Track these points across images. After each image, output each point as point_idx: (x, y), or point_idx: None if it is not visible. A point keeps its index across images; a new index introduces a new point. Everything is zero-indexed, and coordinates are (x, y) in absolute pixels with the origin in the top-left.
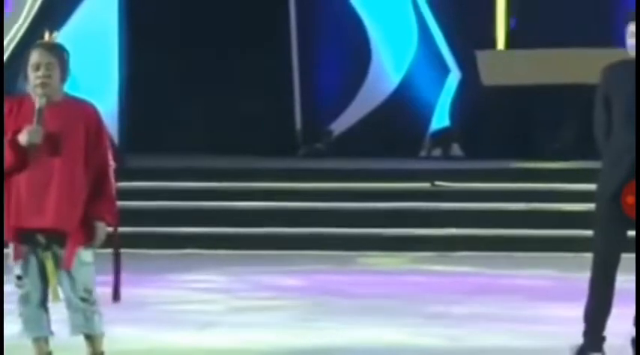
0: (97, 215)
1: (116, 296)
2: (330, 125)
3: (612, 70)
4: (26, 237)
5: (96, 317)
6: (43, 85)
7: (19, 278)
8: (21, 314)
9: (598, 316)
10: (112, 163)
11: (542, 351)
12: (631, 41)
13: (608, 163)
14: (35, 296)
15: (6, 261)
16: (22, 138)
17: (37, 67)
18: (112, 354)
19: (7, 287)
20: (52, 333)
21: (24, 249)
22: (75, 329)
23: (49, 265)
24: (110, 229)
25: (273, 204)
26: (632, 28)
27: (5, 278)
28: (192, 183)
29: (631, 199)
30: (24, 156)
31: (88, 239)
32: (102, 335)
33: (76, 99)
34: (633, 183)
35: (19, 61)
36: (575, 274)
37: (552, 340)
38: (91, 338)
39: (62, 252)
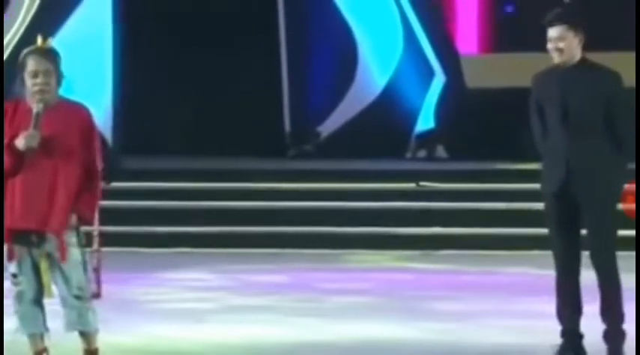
0: (76, 211)
1: (97, 293)
2: (318, 127)
3: (542, 77)
4: (20, 237)
5: (90, 314)
6: (42, 91)
7: (14, 276)
8: (16, 312)
9: (569, 314)
10: (99, 165)
11: (524, 346)
12: (549, 45)
13: (547, 164)
14: (30, 294)
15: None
16: (20, 142)
17: (36, 74)
18: (106, 350)
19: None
20: (47, 330)
21: (18, 248)
22: (69, 325)
23: (43, 264)
24: (93, 228)
25: (263, 204)
26: (550, 33)
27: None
28: (184, 184)
29: (631, 199)
30: (20, 159)
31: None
32: (96, 331)
33: (70, 102)
34: (633, 183)
35: (14, 67)
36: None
37: (534, 335)
38: (86, 335)
39: (55, 251)
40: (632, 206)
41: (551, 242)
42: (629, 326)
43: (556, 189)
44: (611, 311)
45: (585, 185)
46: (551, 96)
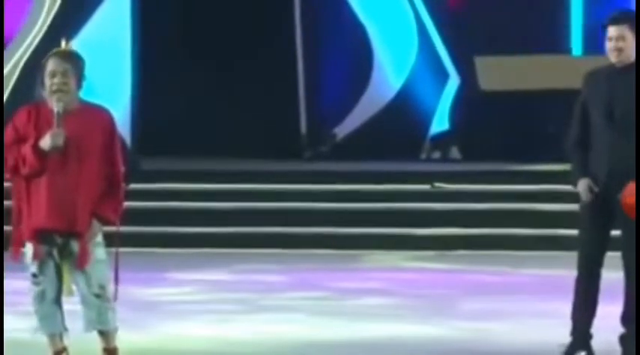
0: (99, 212)
1: (115, 297)
2: (334, 129)
3: (591, 77)
4: (44, 237)
5: (110, 313)
6: (59, 91)
7: (34, 276)
8: (37, 312)
9: (583, 314)
10: (121, 168)
11: (536, 345)
12: (608, 44)
13: (590, 165)
14: (51, 294)
15: (6, 260)
16: (45, 142)
17: (54, 75)
18: (122, 350)
19: (22, 285)
20: (66, 329)
21: (42, 248)
22: (89, 325)
23: (65, 263)
24: (112, 228)
25: (279, 205)
26: (610, 32)
27: (20, 275)
28: (201, 185)
29: (631, 199)
30: (45, 160)
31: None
32: (115, 330)
33: (92, 106)
34: (633, 183)
35: (35, 69)
36: (570, 271)
37: (546, 335)
38: (105, 334)
39: (77, 251)
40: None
41: (579, 241)
42: (612, 326)
43: (596, 190)
44: (633, 318)
45: (624, 185)
46: (598, 95)
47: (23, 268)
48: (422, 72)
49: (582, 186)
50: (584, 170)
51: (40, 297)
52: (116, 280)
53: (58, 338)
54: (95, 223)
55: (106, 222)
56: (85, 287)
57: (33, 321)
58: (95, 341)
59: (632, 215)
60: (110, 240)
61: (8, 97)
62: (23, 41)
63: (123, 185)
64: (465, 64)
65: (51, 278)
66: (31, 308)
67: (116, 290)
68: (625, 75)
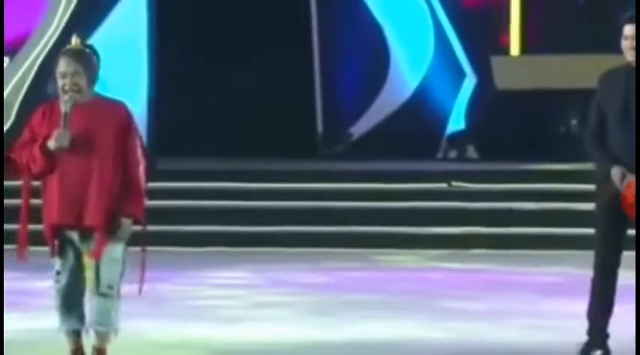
0: (126, 211)
1: (140, 291)
2: (350, 128)
3: (606, 76)
4: (62, 234)
5: (112, 315)
6: (70, 92)
7: (57, 273)
8: (57, 308)
9: (600, 314)
10: (141, 160)
11: (552, 345)
12: (624, 43)
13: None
14: (71, 291)
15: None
16: (51, 143)
17: (64, 76)
18: (140, 347)
19: (43, 283)
20: (85, 327)
21: (61, 245)
22: (91, 323)
23: (87, 260)
24: (139, 228)
25: (294, 204)
26: (627, 31)
27: (20, 275)
28: (217, 184)
29: (630, 198)
30: (53, 159)
31: (114, 233)
32: (112, 332)
33: (107, 99)
34: (633, 183)
35: (50, 68)
36: (584, 271)
37: (563, 334)
38: (101, 333)
39: (93, 246)
40: (632, 204)
41: (595, 241)
42: (629, 325)
43: (613, 191)
44: None
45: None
46: (613, 95)
47: (24, 268)
48: (438, 71)
49: (616, 172)
50: (612, 158)
51: (61, 294)
52: (142, 278)
53: (77, 337)
54: (126, 222)
55: (133, 218)
56: (94, 286)
57: (55, 318)
58: (112, 340)
59: (632, 214)
60: (136, 240)
61: (25, 97)
62: (39, 41)
63: (143, 180)
64: (481, 63)
65: (72, 275)
66: (36, 307)
67: (141, 287)
68: None
